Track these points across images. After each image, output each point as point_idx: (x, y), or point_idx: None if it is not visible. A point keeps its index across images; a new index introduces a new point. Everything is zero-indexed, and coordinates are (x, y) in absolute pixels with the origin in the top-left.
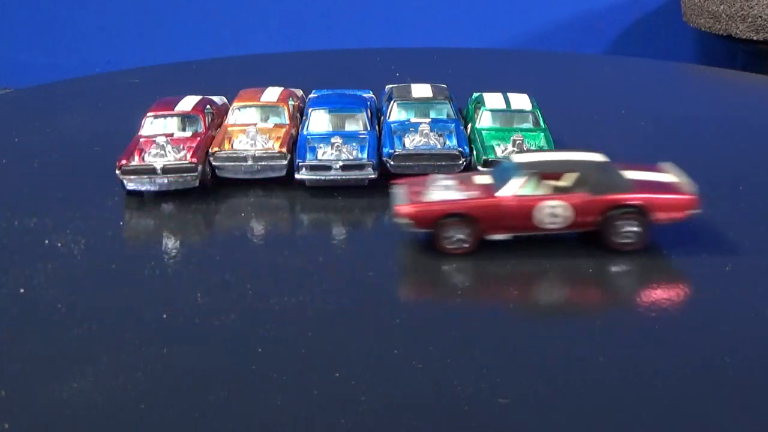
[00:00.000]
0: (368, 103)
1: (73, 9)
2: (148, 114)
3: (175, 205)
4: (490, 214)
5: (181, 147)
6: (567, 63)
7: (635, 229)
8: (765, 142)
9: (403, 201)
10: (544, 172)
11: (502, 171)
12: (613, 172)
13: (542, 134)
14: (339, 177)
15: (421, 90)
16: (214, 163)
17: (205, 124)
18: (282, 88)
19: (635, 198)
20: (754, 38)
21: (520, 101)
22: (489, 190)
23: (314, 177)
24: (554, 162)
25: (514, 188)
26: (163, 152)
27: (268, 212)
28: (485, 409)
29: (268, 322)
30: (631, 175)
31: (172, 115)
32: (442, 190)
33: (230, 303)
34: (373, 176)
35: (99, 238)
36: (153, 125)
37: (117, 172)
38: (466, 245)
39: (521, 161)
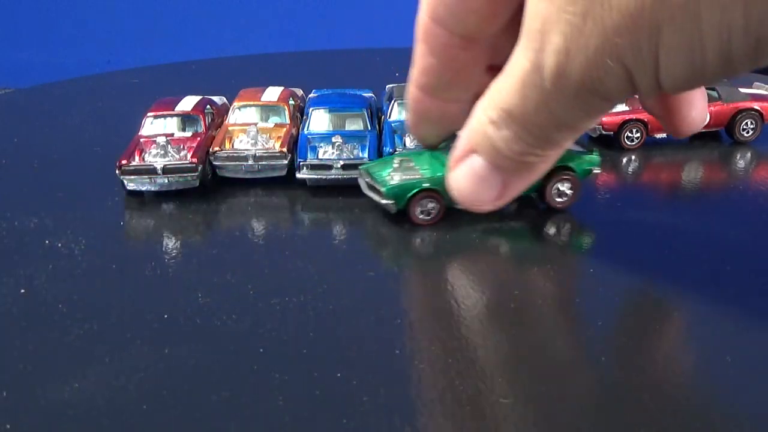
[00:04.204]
0: (368, 102)
1: (73, 9)
2: (148, 114)
3: (175, 205)
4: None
5: (182, 147)
6: None
7: (752, 125)
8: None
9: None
10: None
11: None
12: (735, 89)
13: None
14: (340, 176)
15: None
16: (214, 163)
17: (205, 124)
18: (282, 88)
19: (753, 104)
20: None
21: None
22: None
23: (315, 176)
24: None
25: None
26: (163, 152)
27: (268, 212)
28: (487, 409)
29: (269, 322)
30: (745, 90)
31: (172, 115)
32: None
33: (231, 303)
34: None
35: (99, 238)
36: (153, 125)
37: (117, 172)
38: (639, 141)
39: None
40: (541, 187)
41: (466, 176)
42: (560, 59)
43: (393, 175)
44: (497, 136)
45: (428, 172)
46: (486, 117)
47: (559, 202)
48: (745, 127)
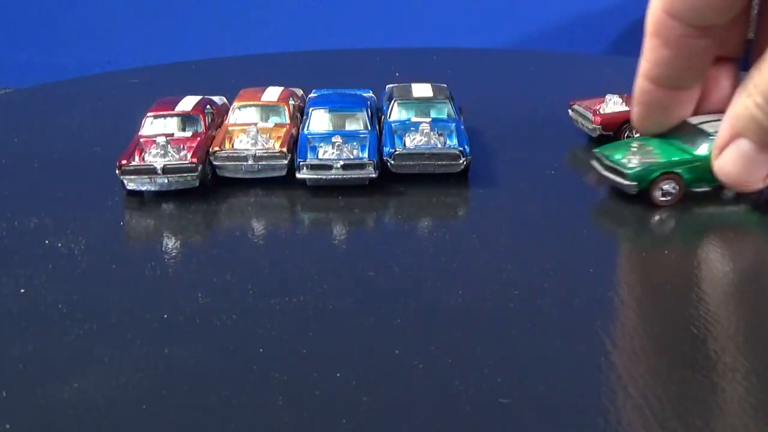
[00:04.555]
0: (368, 102)
1: (73, 9)
2: (148, 114)
3: (175, 205)
4: None
5: (182, 147)
6: (567, 63)
7: None
8: None
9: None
10: None
11: None
12: None
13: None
14: (340, 176)
15: (422, 90)
16: (214, 163)
17: (205, 124)
18: (282, 88)
19: None
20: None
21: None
22: None
23: (315, 176)
24: None
25: None
26: (163, 152)
27: (268, 212)
28: (487, 409)
29: (269, 322)
30: None
31: (172, 115)
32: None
33: (231, 303)
34: (373, 176)
35: (99, 238)
36: (153, 125)
37: (117, 172)
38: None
39: None
40: None
41: (734, 160)
42: None
43: (632, 158)
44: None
45: (665, 155)
46: (753, 102)
47: None
48: None
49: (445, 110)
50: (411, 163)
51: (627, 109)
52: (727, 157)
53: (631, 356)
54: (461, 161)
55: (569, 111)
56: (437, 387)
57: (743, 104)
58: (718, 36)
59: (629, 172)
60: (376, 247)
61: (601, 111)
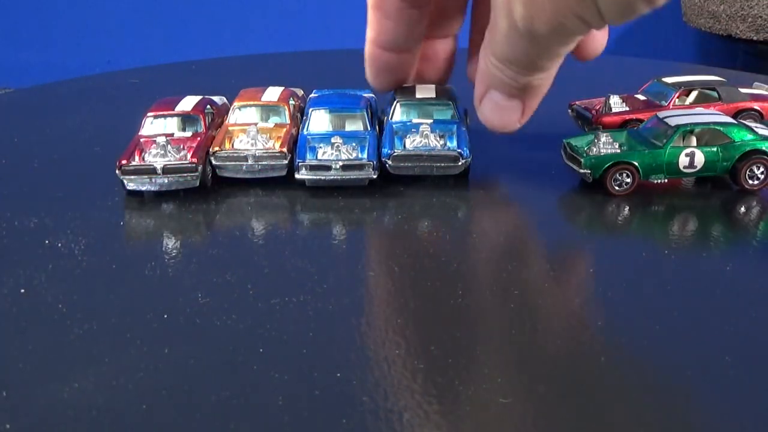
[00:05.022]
0: (368, 103)
1: (73, 9)
2: (148, 114)
3: (175, 205)
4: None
5: (182, 147)
6: (567, 63)
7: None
8: None
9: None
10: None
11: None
12: (735, 89)
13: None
14: (339, 177)
15: (425, 91)
16: (214, 163)
17: (205, 124)
18: (282, 88)
19: (753, 104)
20: (754, 38)
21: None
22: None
23: (314, 177)
24: (698, 81)
25: (674, 101)
26: (163, 152)
27: (268, 212)
28: (487, 409)
29: (269, 322)
30: (745, 90)
31: (172, 115)
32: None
33: (231, 303)
34: (373, 176)
35: (99, 238)
36: (153, 125)
37: (117, 172)
38: None
39: (673, 82)
40: (734, 169)
41: (491, 108)
42: (526, 22)
43: (592, 148)
44: (504, 75)
45: (625, 146)
46: (490, 64)
47: (751, 185)
48: None
49: (449, 112)
50: (409, 164)
51: (627, 109)
52: (486, 106)
53: (631, 356)
54: (460, 163)
55: (569, 111)
56: (437, 387)
57: (485, 63)
58: (436, 6)
59: (583, 160)
60: (376, 247)
61: (602, 111)
